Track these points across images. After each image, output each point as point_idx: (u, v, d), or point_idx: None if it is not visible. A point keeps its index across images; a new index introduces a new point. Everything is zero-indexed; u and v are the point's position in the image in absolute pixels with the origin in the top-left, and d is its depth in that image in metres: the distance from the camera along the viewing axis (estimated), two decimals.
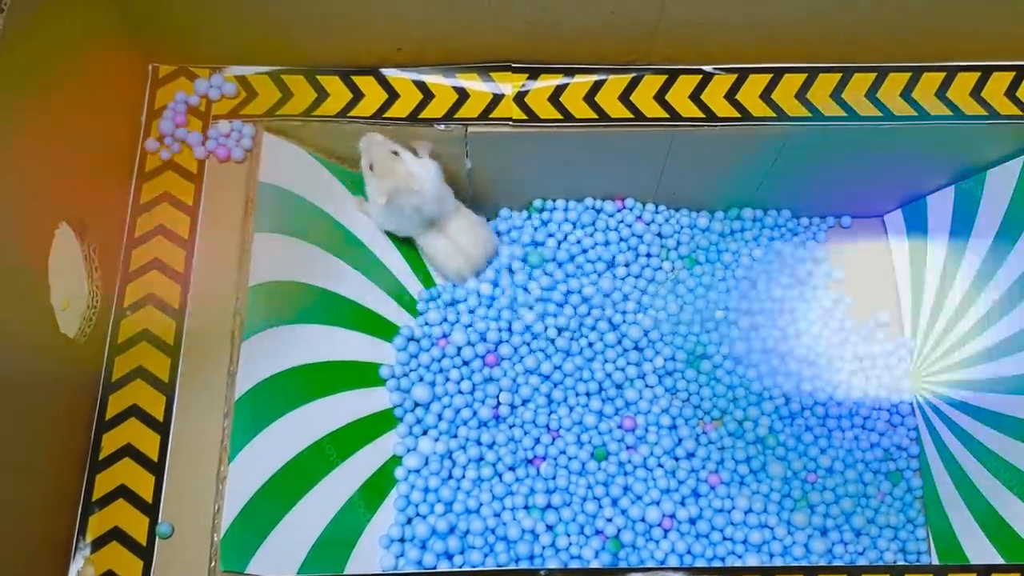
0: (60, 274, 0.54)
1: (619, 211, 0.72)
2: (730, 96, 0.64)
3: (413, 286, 0.69)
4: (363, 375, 0.63)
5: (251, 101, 0.63)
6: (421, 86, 0.64)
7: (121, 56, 0.61)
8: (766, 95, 0.64)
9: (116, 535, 0.53)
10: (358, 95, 0.63)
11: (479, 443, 0.64)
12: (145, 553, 0.53)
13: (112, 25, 0.59)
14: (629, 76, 0.64)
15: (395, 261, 0.68)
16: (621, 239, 0.71)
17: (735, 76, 0.65)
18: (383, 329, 0.65)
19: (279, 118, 0.63)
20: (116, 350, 0.57)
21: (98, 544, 0.53)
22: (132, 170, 0.61)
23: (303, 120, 0.63)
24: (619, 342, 0.68)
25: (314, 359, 0.60)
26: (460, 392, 0.66)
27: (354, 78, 0.64)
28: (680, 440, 0.66)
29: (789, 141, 0.65)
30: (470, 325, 0.68)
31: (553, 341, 0.68)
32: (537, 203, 0.72)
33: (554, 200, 0.72)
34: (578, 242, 0.71)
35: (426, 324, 0.68)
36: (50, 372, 0.52)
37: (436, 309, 0.69)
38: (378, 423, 0.63)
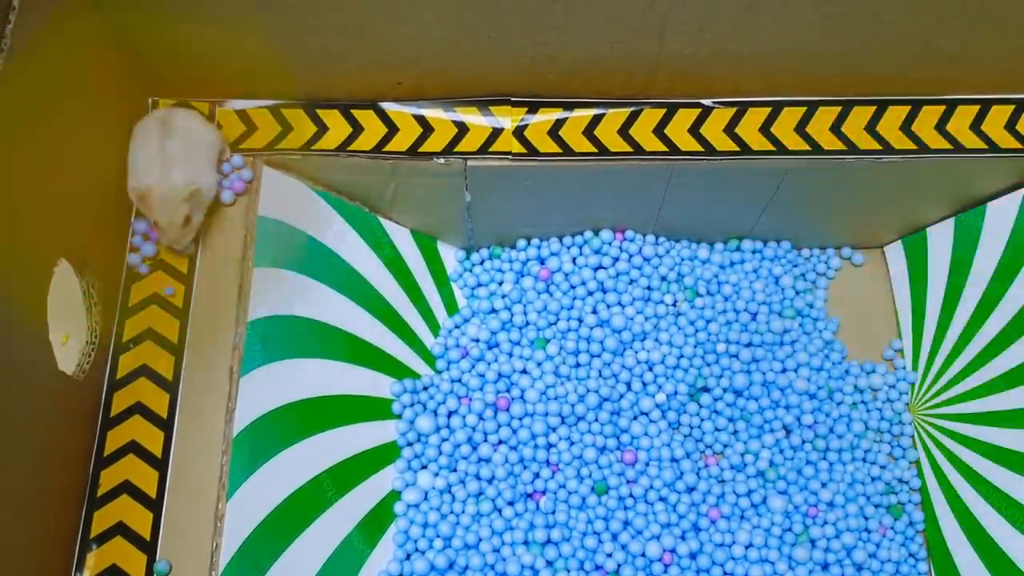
0: (59, 310, 0.54)
1: (619, 243, 0.72)
2: (729, 130, 0.64)
3: (415, 320, 0.69)
4: (363, 410, 0.63)
5: (251, 135, 0.63)
6: (421, 120, 0.64)
7: (120, 90, 0.61)
8: (765, 128, 0.64)
9: (114, 573, 0.53)
10: (358, 129, 0.63)
11: (478, 478, 0.64)
12: None
13: (111, 59, 0.59)
14: (628, 110, 0.64)
15: (399, 297, 0.68)
16: (620, 272, 0.71)
17: (734, 110, 0.65)
18: (384, 363, 0.65)
19: (279, 152, 0.63)
20: (114, 386, 0.57)
21: None
22: (132, 205, 0.61)
23: (303, 154, 0.63)
24: (619, 375, 0.68)
25: (313, 394, 0.60)
26: (464, 426, 0.65)
27: (354, 112, 0.64)
28: (681, 474, 0.66)
29: (788, 174, 0.65)
30: (480, 359, 0.69)
31: (556, 374, 0.67)
32: (535, 241, 0.72)
33: (555, 233, 0.72)
34: (579, 275, 0.71)
35: (447, 361, 0.69)
36: (48, 408, 0.52)
37: (456, 336, 0.70)
38: (377, 458, 0.63)
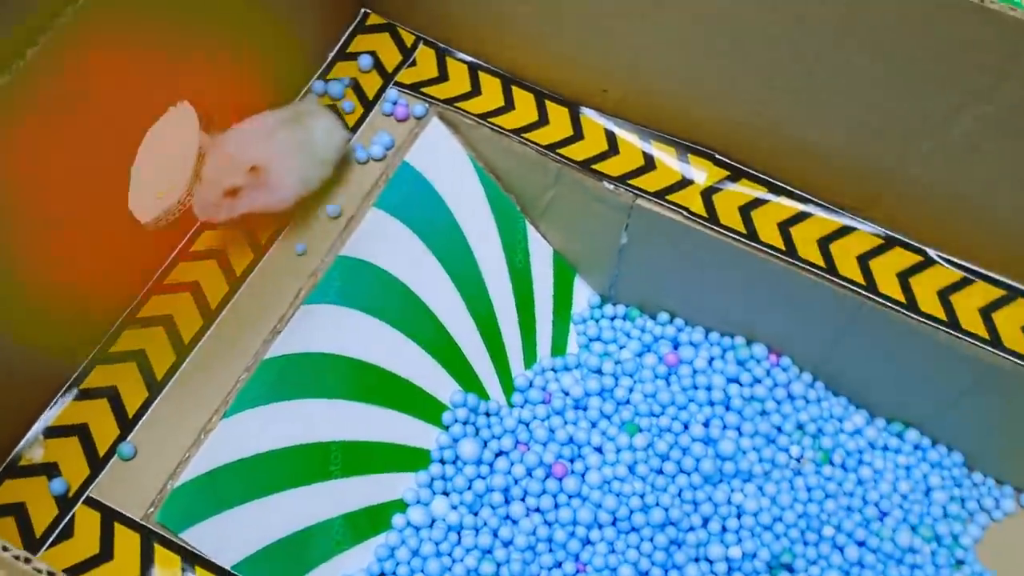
0: (166, 154, 0.51)
1: (770, 366, 0.61)
2: (944, 295, 0.53)
3: (512, 342, 0.61)
4: (412, 401, 0.56)
5: (439, 83, 0.59)
6: (611, 137, 0.57)
7: None
8: (987, 312, 0.53)
9: (80, 432, 0.48)
10: (543, 120, 0.58)
11: (495, 534, 0.55)
12: (98, 465, 0.47)
13: None
14: (839, 222, 0.55)
15: (508, 311, 0.61)
16: (754, 397, 0.60)
17: (960, 275, 0.54)
18: (458, 367, 0.58)
19: (456, 110, 0.58)
20: (184, 255, 0.53)
21: (58, 432, 0.48)
22: (291, 98, 0.58)
23: (478, 121, 0.57)
24: (700, 505, 0.57)
25: (369, 358, 0.54)
26: (508, 473, 0.57)
27: (547, 103, 0.58)
28: None
29: (996, 377, 0.53)
30: (560, 414, 0.60)
31: (632, 469, 0.58)
32: (679, 321, 0.63)
33: (703, 323, 0.63)
34: (709, 378, 0.61)
35: (525, 398, 0.61)
36: (106, 248, 0.49)
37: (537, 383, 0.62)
38: (400, 457, 0.55)
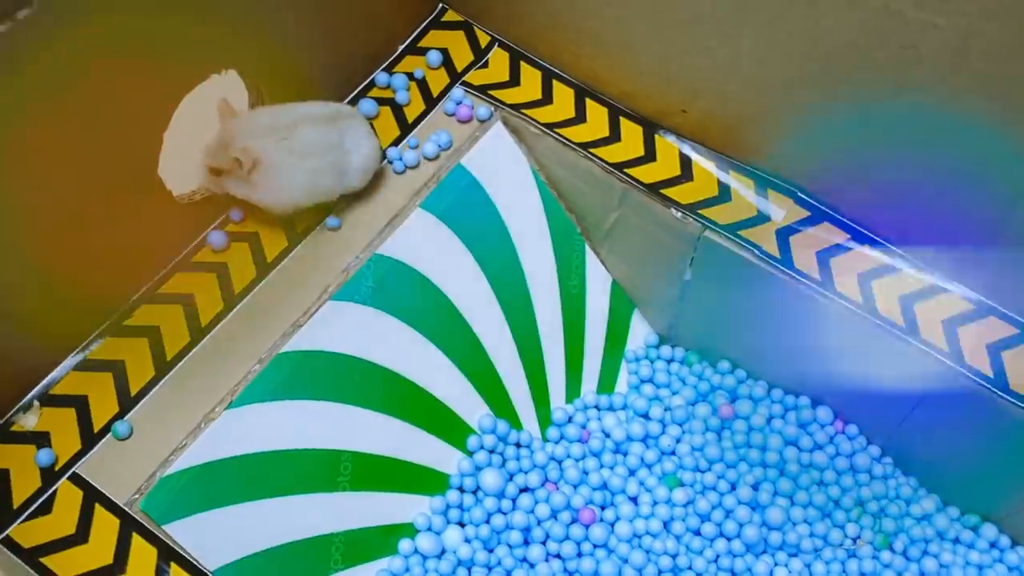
0: (203, 124, 0.48)
1: (833, 433, 0.56)
2: None
3: (555, 372, 0.57)
4: (439, 422, 0.52)
5: (508, 87, 0.55)
6: (685, 161, 0.53)
7: None
8: None
9: (78, 404, 0.45)
10: (615, 137, 0.53)
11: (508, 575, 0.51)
12: (90, 440, 0.44)
13: None
14: (928, 281, 0.49)
15: (554, 340, 0.57)
16: (813, 465, 0.55)
17: None
18: (493, 392, 0.54)
19: (523, 116, 0.54)
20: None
21: (56, 401, 0.45)
22: (353, 88, 0.55)
23: (543, 130, 0.54)
24: (738, 575, 0.52)
25: (396, 368, 0.50)
26: (531, 512, 0.52)
27: (621, 119, 0.54)
28: None
29: None
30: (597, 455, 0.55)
31: (667, 526, 0.53)
32: (741, 372, 0.58)
33: (768, 377, 0.57)
34: (764, 437, 0.55)
35: (560, 434, 0.57)
36: (131, 218, 0.46)
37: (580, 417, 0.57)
38: (416, 478, 0.51)
